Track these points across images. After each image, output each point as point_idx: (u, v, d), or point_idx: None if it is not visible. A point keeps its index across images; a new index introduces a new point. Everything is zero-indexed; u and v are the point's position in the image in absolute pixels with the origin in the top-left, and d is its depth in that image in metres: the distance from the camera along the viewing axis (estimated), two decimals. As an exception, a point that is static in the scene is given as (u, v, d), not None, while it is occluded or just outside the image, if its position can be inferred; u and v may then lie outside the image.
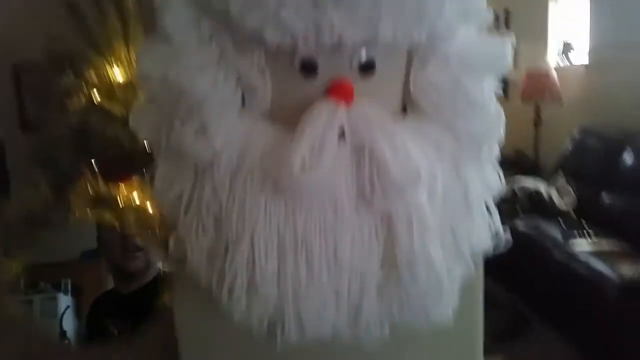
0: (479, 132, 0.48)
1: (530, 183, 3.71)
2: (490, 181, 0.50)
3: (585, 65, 4.34)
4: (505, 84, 5.97)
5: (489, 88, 0.49)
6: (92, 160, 1.06)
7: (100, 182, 1.10)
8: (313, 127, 0.42)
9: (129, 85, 1.27)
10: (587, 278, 2.76)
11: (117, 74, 1.29)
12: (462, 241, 0.47)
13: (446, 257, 0.46)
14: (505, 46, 0.49)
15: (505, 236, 0.51)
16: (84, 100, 1.25)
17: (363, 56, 0.44)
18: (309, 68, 0.44)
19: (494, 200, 0.51)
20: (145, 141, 0.55)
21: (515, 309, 3.06)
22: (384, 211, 0.43)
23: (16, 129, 4.26)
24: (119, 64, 1.29)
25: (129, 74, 1.29)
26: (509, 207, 3.66)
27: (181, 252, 0.46)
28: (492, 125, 0.49)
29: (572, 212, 3.47)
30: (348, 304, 0.44)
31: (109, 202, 1.12)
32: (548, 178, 3.97)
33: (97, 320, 1.22)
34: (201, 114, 0.44)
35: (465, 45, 0.47)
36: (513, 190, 3.69)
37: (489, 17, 0.48)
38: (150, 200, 1.08)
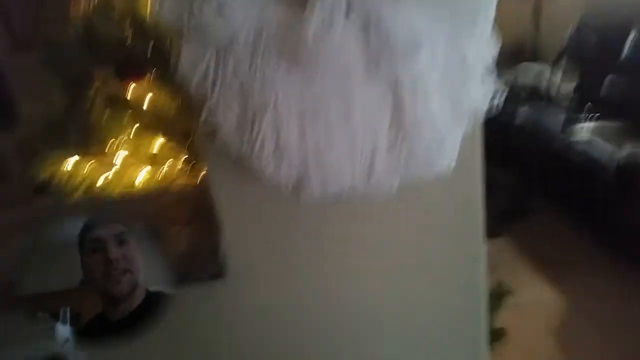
0: (473, 6, 0.52)
1: (536, 67, 3.70)
2: (485, 49, 0.55)
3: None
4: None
5: None
6: (103, 64, 1.08)
7: (115, 84, 1.13)
8: (321, 2, 0.46)
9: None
10: (587, 157, 2.84)
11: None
12: (461, 101, 0.53)
13: (448, 115, 0.51)
14: None
15: (499, 98, 0.56)
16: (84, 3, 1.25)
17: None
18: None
19: (489, 66, 0.56)
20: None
21: (517, 192, 3.19)
22: (390, 76, 0.49)
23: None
24: None
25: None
26: (513, 92, 3.68)
27: (212, 125, 0.52)
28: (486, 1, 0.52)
29: (575, 94, 3.50)
30: (362, 161, 0.51)
31: (124, 102, 1.16)
32: (552, 64, 3.95)
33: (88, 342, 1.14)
34: None
35: None
36: (514, 75, 3.70)
37: None
38: (164, 96, 1.11)
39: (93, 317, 1.12)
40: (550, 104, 3.50)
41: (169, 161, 1.17)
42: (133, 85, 1.17)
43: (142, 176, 1.22)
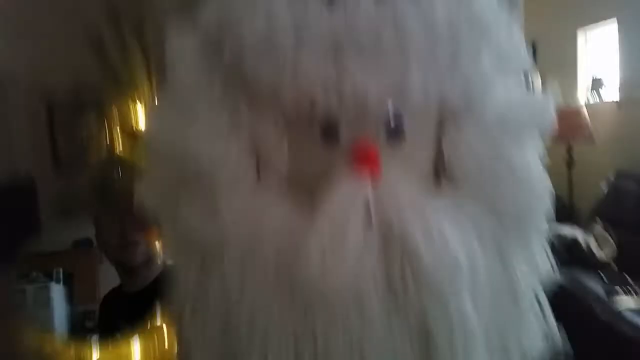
0: (524, 207, 0.40)
1: (567, 231, 3.54)
2: (540, 268, 0.42)
3: (617, 102, 4.18)
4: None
5: (533, 153, 0.41)
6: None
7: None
8: (334, 208, 0.35)
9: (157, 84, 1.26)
10: (635, 340, 2.56)
11: (140, 113, 1.27)
12: (511, 345, 0.39)
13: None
14: (548, 102, 0.42)
15: (563, 339, 0.42)
16: (105, 150, 1.25)
17: (391, 119, 0.37)
18: (329, 132, 0.37)
19: (545, 292, 0.43)
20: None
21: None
22: (418, 312, 0.35)
23: (48, 167, 4.39)
24: (143, 102, 1.27)
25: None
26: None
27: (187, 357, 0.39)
28: (540, 198, 0.41)
29: (612, 264, 3.29)
30: None
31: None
32: (584, 225, 3.79)
33: (108, 318, 1.18)
34: (208, 187, 0.37)
35: (505, 103, 0.40)
36: (551, 240, 3.55)
37: (530, 66, 0.41)
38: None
39: (113, 289, 1.20)
40: (587, 269, 3.29)
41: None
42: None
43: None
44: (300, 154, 0.39)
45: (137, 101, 1.18)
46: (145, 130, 0.43)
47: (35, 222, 3.74)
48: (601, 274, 3.16)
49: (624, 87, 4.06)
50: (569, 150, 4.37)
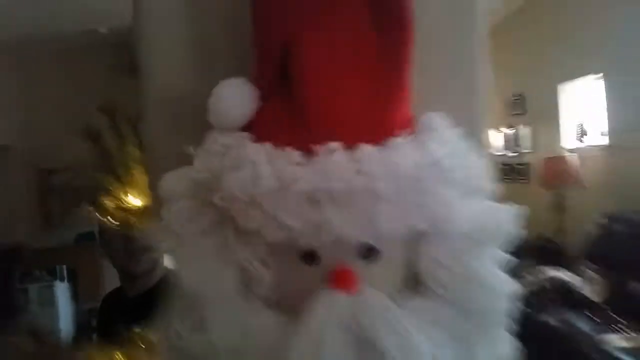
0: (488, 307, 0.45)
1: (557, 274, 3.58)
2: (500, 352, 0.47)
3: (607, 147, 4.30)
4: (527, 168, 5.95)
5: (498, 260, 0.47)
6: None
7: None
8: (312, 323, 0.40)
9: (145, 210, 1.30)
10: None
11: (133, 200, 1.32)
12: None
13: None
14: (510, 214, 0.47)
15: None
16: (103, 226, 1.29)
17: (364, 245, 0.42)
18: (310, 257, 0.43)
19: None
20: None
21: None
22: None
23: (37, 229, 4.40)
24: (136, 189, 1.32)
25: (145, 198, 1.33)
26: (538, 299, 3.51)
27: None
28: (501, 299, 0.46)
29: (602, 304, 3.31)
30: None
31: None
32: (573, 266, 3.83)
33: (107, 318, 1.19)
34: (201, 310, 0.42)
35: (470, 220, 0.46)
36: (540, 282, 3.57)
37: (492, 190, 0.47)
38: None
39: (112, 291, 1.20)
40: (578, 312, 3.31)
41: None
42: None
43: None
44: (284, 273, 0.44)
45: (129, 185, 1.24)
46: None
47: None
48: (590, 314, 3.19)
49: (612, 134, 4.20)
50: (559, 196, 4.46)
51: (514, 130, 6.15)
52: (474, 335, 0.45)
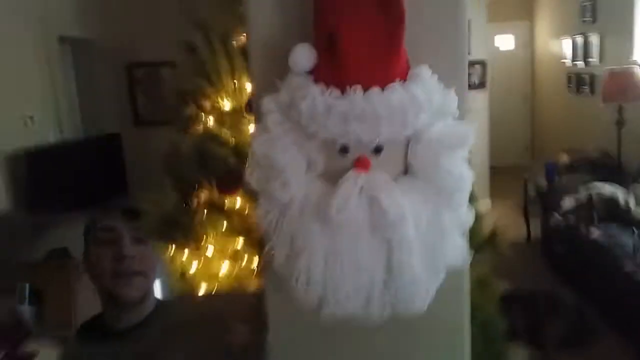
0: (450, 187, 0.76)
1: (607, 189, 3.73)
2: (461, 219, 0.78)
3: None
4: (593, 79, 5.77)
5: (458, 158, 0.76)
6: (209, 176, 1.42)
7: (215, 192, 1.46)
8: (343, 186, 0.73)
9: (235, 112, 1.64)
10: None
11: (226, 103, 1.66)
12: (438, 258, 0.76)
13: (425, 268, 0.75)
14: (469, 130, 0.77)
15: (468, 256, 0.79)
16: (202, 127, 1.64)
17: (375, 144, 0.74)
18: (344, 150, 0.75)
19: (464, 232, 0.79)
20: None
21: (582, 317, 3.14)
22: (385, 237, 0.73)
23: (130, 124, 4.97)
24: (227, 95, 1.66)
25: (235, 102, 1.66)
26: (586, 213, 3.71)
27: (271, 256, 0.79)
28: (461, 183, 0.76)
29: (650, 219, 3.48)
30: (365, 292, 0.75)
31: (220, 208, 1.49)
32: (628, 182, 3.94)
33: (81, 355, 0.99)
34: (283, 175, 0.76)
35: (442, 131, 0.75)
36: (590, 196, 3.74)
37: (457, 112, 0.76)
38: (250, 207, 1.42)
39: (90, 320, 1.01)
40: (624, 225, 3.48)
41: (245, 260, 1.48)
42: (228, 196, 1.50)
43: (224, 268, 1.53)
44: (329, 160, 0.76)
45: (222, 91, 1.57)
46: (251, 147, 0.80)
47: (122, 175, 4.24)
48: (635, 230, 3.37)
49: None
50: (620, 110, 4.44)
51: (583, 39, 5.93)
52: (441, 202, 0.76)
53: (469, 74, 6.11)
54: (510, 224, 5.05)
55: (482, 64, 6.22)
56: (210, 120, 1.58)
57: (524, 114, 8.21)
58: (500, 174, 6.59)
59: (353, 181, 0.73)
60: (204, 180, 1.47)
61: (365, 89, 0.70)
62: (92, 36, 4.64)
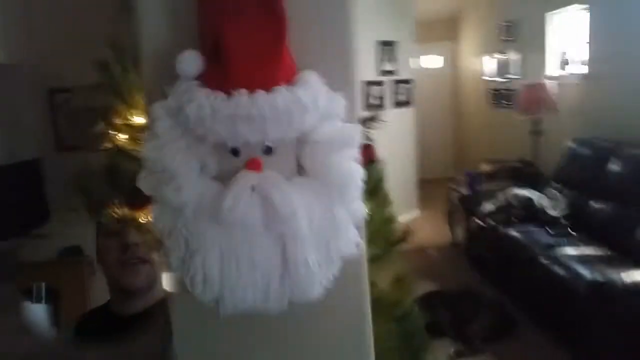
0: (340, 184, 0.80)
1: (524, 193, 3.99)
2: (354, 213, 0.83)
3: (585, 76, 4.54)
4: (514, 94, 6.16)
5: (347, 157, 0.81)
6: (119, 192, 1.40)
7: (125, 209, 1.44)
8: (234, 186, 0.75)
9: (147, 127, 1.63)
10: (564, 279, 3.00)
11: (138, 119, 1.65)
12: (332, 249, 0.80)
13: (320, 260, 0.78)
14: (356, 130, 0.81)
15: (361, 245, 0.83)
16: (112, 144, 1.62)
17: (265, 145, 0.77)
18: (235, 152, 0.77)
19: (356, 225, 0.83)
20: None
21: (503, 311, 3.33)
22: (279, 232, 0.76)
23: (52, 149, 4.79)
24: (139, 111, 1.65)
25: (146, 118, 1.65)
26: (505, 215, 3.94)
27: (166, 259, 0.79)
28: (350, 180, 0.81)
29: (561, 219, 3.74)
30: (260, 287, 0.77)
31: (132, 223, 1.46)
32: (544, 186, 4.23)
33: (88, 340, 1.03)
34: (176, 179, 0.77)
35: (329, 133, 0.80)
36: (507, 200, 3.97)
37: (344, 116, 0.81)
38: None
39: (93, 310, 1.05)
40: (539, 225, 3.73)
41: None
42: (138, 211, 1.48)
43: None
44: (222, 162, 0.78)
45: (134, 107, 1.56)
46: (142, 152, 0.81)
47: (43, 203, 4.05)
48: (548, 228, 3.62)
49: (591, 64, 4.43)
50: (536, 120, 4.76)
51: (504, 57, 6.34)
52: (333, 198, 0.80)
53: (396, 93, 6.36)
54: (437, 231, 5.25)
55: (409, 82, 6.47)
56: (122, 137, 1.57)
57: (450, 129, 8.58)
58: (429, 186, 6.84)
59: (244, 180, 0.76)
60: (114, 197, 1.45)
61: (251, 92, 0.73)
62: (12, 61, 4.46)
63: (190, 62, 0.76)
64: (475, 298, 3.38)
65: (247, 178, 0.76)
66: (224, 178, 0.78)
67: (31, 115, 4.66)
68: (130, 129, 1.55)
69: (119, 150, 1.51)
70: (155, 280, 0.99)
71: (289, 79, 0.77)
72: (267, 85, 0.74)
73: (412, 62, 6.53)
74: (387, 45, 6.00)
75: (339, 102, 0.81)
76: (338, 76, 0.84)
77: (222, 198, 0.75)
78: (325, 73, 0.80)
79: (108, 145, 1.56)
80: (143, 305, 0.99)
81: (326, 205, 0.80)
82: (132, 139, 1.56)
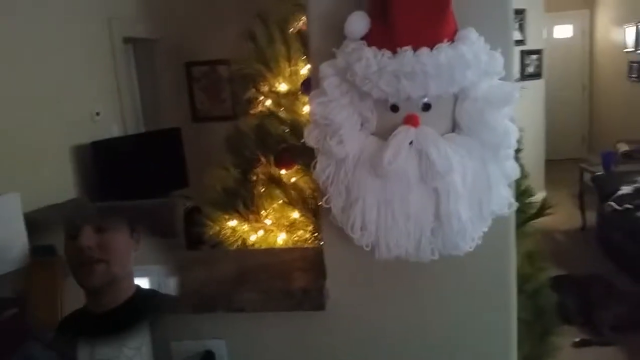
0: (495, 142, 0.82)
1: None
2: (507, 172, 0.84)
3: None
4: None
5: (503, 115, 0.82)
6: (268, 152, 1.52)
7: (273, 167, 1.56)
8: (394, 140, 0.80)
9: (291, 94, 1.75)
10: None
11: (282, 86, 1.77)
12: (484, 207, 0.82)
13: (472, 216, 0.81)
14: (513, 88, 0.82)
15: (513, 205, 0.84)
16: (260, 107, 1.75)
17: (423, 102, 0.81)
18: (394, 108, 0.82)
19: (510, 183, 0.85)
20: (304, 141, 0.94)
21: (638, 302, 3.07)
22: (434, 186, 0.80)
23: (189, 120, 5.20)
24: (284, 78, 1.76)
25: (290, 85, 1.76)
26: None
27: (328, 207, 0.87)
28: (505, 138, 0.82)
29: None
30: (414, 238, 0.82)
31: (277, 182, 1.59)
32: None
33: (67, 337, 1.02)
34: (339, 133, 0.83)
35: (488, 90, 0.81)
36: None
37: (504, 73, 0.82)
38: (305, 180, 1.52)
39: (77, 309, 1.01)
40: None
41: (300, 231, 1.57)
42: (284, 170, 1.60)
43: (280, 240, 1.63)
44: (381, 118, 0.83)
45: (279, 75, 1.67)
46: (310, 108, 0.88)
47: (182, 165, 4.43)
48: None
49: None
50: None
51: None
52: (487, 156, 0.82)
53: (525, 65, 6.01)
54: (566, 215, 4.94)
55: (539, 53, 6.09)
56: (268, 102, 1.69)
57: (582, 105, 7.95)
58: (556, 167, 6.42)
59: (403, 135, 0.80)
60: (263, 157, 1.57)
61: (415, 50, 0.77)
62: (154, 36, 4.88)
63: (358, 22, 0.81)
64: (607, 284, 3.15)
65: (406, 133, 0.80)
66: (383, 133, 0.83)
67: (170, 88, 5.09)
68: (276, 95, 1.67)
69: (267, 114, 1.63)
70: (115, 279, 0.97)
71: (451, 36, 0.80)
72: (431, 43, 0.77)
73: (541, 32, 6.12)
74: (516, 14, 5.67)
75: (499, 60, 0.82)
76: (496, 35, 0.84)
77: (382, 151, 0.80)
78: (483, 32, 0.82)
79: (256, 109, 1.69)
80: (112, 302, 0.98)
81: (480, 162, 0.82)
82: (277, 104, 1.68)
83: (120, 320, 0.97)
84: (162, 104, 5.13)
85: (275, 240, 1.60)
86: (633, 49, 6.20)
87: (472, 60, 0.78)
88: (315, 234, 1.45)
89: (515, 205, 0.86)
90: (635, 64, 6.15)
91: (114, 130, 4.34)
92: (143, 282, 1.01)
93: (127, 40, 4.62)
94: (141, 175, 4.22)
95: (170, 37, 4.96)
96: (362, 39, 0.82)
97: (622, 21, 6.62)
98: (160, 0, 4.83)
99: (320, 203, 0.90)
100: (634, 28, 6.14)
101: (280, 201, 1.59)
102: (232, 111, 4.88)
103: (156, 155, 4.47)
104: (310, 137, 0.88)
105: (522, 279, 1.52)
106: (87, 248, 0.92)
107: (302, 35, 1.64)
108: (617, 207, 3.76)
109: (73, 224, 0.95)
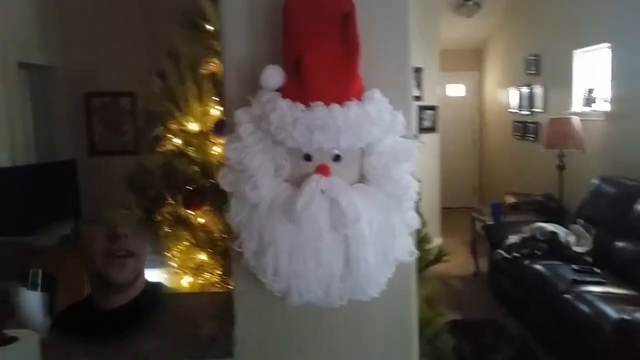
0: (398, 194, 0.87)
1: (549, 226, 3.98)
2: (409, 222, 0.90)
3: (608, 113, 4.55)
4: (537, 127, 6.18)
5: (405, 170, 0.88)
6: (176, 192, 1.49)
7: (180, 208, 1.52)
8: (307, 187, 0.83)
9: (201, 134, 1.73)
10: (588, 316, 3.00)
11: (193, 125, 1.75)
12: (389, 254, 0.87)
13: (378, 262, 0.85)
14: (413, 145, 0.89)
15: (414, 253, 0.90)
16: (169, 146, 1.72)
17: (334, 153, 0.85)
18: (307, 157, 0.85)
19: (411, 232, 0.90)
20: (214, 181, 0.93)
21: (525, 345, 3.31)
22: (343, 234, 0.84)
23: (85, 153, 4.94)
24: (195, 118, 1.75)
25: (201, 125, 1.75)
26: (529, 248, 3.94)
27: (239, 252, 0.87)
28: (407, 190, 0.88)
29: (585, 256, 3.73)
30: (324, 284, 0.84)
31: (185, 222, 1.55)
32: (568, 222, 4.22)
33: (71, 335, 0.98)
34: (254, 178, 0.85)
35: (391, 145, 0.87)
36: (532, 233, 3.98)
37: (405, 132, 0.89)
38: (214, 222, 1.50)
39: (78, 302, 0.99)
40: (564, 261, 3.72)
41: (207, 274, 1.53)
42: (194, 211, 1.56)
43: (185, 282, 1.58)
44: (295, 165, 0.86)
45: (189, 114, 1.66)
46: (224, 153, 0.89)
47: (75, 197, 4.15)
48: (572, 264, 3.62)
49: (615, 102, 4.46)
50: (561, 155, 4.77)
51: (529, 90, 6.38)
52: (391, 206, 0.88)
53: (422, 119, 6.43)
54: (460, 261, 5.25)
55: (434, 109, 6.54)
56: (177, 141, 1.66)
57: (473, 158, 8.61)
58: (451, 215, 6.84)
59: (315, 183, 0.84)
60: (170, 196, 1.53)
61: (326, 104, 0.82)
62: (52, 64, 4.64)
63: (273, 75, 0.85)
64: (499, 328, 3.37)
65: (318, 182, 0.84)
66: (296, 181, 0.86)
67: (67, 118, 4.83)
68: (186, 134, 1.65)
69: (176, 152, 1.61)
70: (140, 274, 0.96)
71: (358, 95, 0.85)
72: (340, 99, 0.83)
73: (437, 90, 6.61)
74: (414, 72, 6.09)
75: (400, 119, 0.89)
76: (398, 96, 0.92)
77: (295, 198, 0.83)
78: (387, 92, 0.89)
79: (163, 147, 1.66)
80: (125, 298, 0.96)
81: (385, 212, 0.87)
82: (187, 143, 1.66)
83: (132, 315, 0.92)
84: (58, 134, 4.83)
85: (180, 283, 1.55)
86: (516, 110, 6.85)
87: (377, 119, 0.84)
88: (224, 277, 1.42)
89: (417, 253, 0.92)
90: (518, 124, 6.79)
91: (2, 160, 4.01)
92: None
93: (22, 66, 4.35)
94: (30, 209, 3.91)
95: (70, 66, 4.72)
96: (277, 90, 0.85)
97: (506, 84, 7.34)
98: (61, 27, 4.63)
99: (232, 247, 0.90)
100: (517, 91, 6.82)
101: (187, 243, 1.55)
102: (134, 145, 4.71)
103: (48, 187, 4.18)
104: (224, 181, 0.88)
105: (423, 323, 1.59)
106: (124, 237, 0.91)
107: (213, 77, 1.65)
108: (505, 255, 4.05)
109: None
